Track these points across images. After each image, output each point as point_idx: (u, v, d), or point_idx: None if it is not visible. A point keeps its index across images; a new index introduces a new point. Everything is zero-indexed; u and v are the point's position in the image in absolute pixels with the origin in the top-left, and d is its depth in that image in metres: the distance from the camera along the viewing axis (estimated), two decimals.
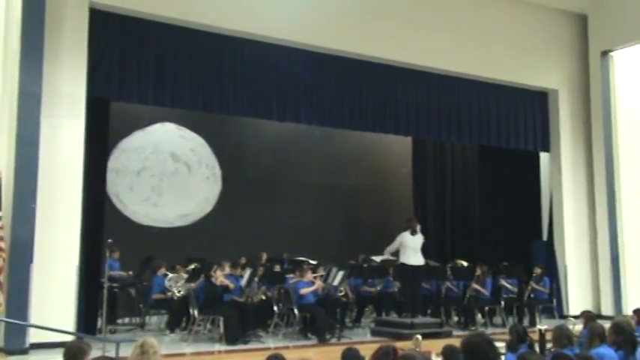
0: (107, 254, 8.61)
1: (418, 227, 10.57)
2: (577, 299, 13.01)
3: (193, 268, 10.32)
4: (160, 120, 14.02)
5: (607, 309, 12.91)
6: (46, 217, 8.32)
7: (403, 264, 10.30)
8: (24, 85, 8.18)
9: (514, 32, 13.11)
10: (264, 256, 12.62)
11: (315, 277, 10.26)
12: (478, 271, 11.61)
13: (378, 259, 12.38)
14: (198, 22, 10.04)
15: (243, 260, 11.59)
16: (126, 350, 5.86)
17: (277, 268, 11.39)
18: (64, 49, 8.92)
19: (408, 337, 7.76)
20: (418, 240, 10.34)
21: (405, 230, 10.36)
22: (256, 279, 10.34)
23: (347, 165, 16.32)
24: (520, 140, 13.43)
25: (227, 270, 10.08)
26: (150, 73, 9.82)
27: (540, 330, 6.80)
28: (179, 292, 10.25)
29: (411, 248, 10.21)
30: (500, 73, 12.90)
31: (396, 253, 10.73)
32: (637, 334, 5.67)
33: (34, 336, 7.91)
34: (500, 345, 5.90)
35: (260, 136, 15.09)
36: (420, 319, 9.95)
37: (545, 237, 14.00)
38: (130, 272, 11.18)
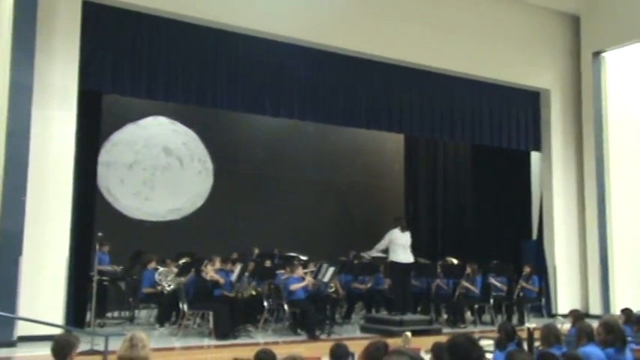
0: (97, 247, 8.60)
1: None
2: (566, 298, 13.08)
3: (184, 263, 10.29)
4: (153, 113, 13.99)
5: (595, 308, 12.99)
6: (36, 209, 8.29)
7: (393, 262, 10.21)
8: (15, 77, 8.14)
9: (507, 32, 13.15)
10: (256, 251, 12.62)
11: (305, 273, 10.26)
12: (468, 269, 11.65)
13: (367, 254, 12.40)
14: (193, 15, 10.02)
15: (234, 255, 11.59)
16: (115, 344, 5.84)
17: (268, 263, 11.39)
18: (56, 41, 8.87)
19: (398, 334, 7.78)
20: (407, 237, 10.25)
21: (394, 228, 10.22)
22: (247, 274, 10.33)
23: (340, 161, 16.34)
24: (512, 139, 13.48)
25: (217, 265, 10.09)
26: (143, 66, 9.79)
27: (529, 328, 6.83)
28: (169, 286, 10.23)
29: (400, 246, 10.11)
30: (493, 72, 12.94)
31: (386, 250, 10.73)
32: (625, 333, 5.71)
33: (22, 329, 7.88)
34: (489, 343, 5.95)
35: (253, 132, 15.09)
36: (409, 317, 9.96)
37: (535, 236, 14.06)
38: (121, 266, 11.14)
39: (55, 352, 4.45)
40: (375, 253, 10.93)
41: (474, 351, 3.07)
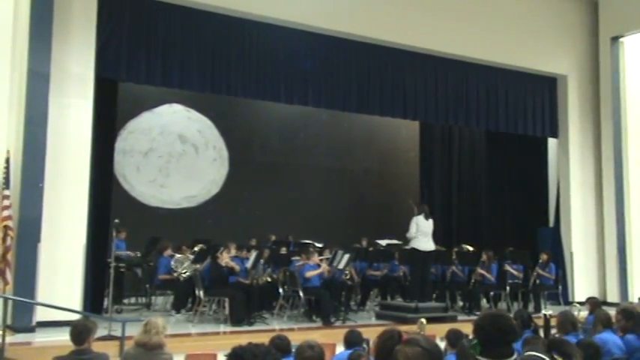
0: (114, 234, 8.65)
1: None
2: (583, 286, 13.01)
3: (199, 250, 10.34)
4: (168, 101, 14.03)
5: (613, 296, 12.91)
6: (54, 196, 8.36)
7: (414, 249, 10.11)
8: (33, 65, 8.20)
9: (524, 17, 13.00)
10: (273, 238, 12.67)
11: (320, 260, 10.27)
12: (484, 257, 11.61)
13: (383, 242, 12.39)
14: (207, 3, 9.99)
15: (253, 242, 11.62)
16: (132, 330, 5.91)
17: (283, 250, 11.42)
18: (73, 30, 8.91)
19: (413, 321, 7.78)
20: (430, 225, 10.17)
21: (418, 215, 10.10)
22: (262, 261, 10.36)
23: (354, 148, 16.31)
24: (528, 125, 13.37)
25: (233, 252, 10.12)
26: (158, 54, 9.81)
27: (545, 315, 6.79)
28: (185, 273, 10.30)
29: (423, 233, 10.03)
30: (509, 58, 12.82)
31: (401, 237, 10.67)
32: None
33: (40, 314, 7.98)
34: None
35: (267, 119, 15.08)
36: (424, 304, 9.93)
37: (551, 223, 13.97)
38: (137, 253, 11.22)
39: (74, 337, 4.51)
40: (409, 237, 10.56)
41: (501, 337, 2.94)
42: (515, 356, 2.93)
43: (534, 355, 3.26)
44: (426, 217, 10.12)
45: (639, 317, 5.43)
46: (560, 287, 12.53)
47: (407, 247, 10.69)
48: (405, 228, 10.19)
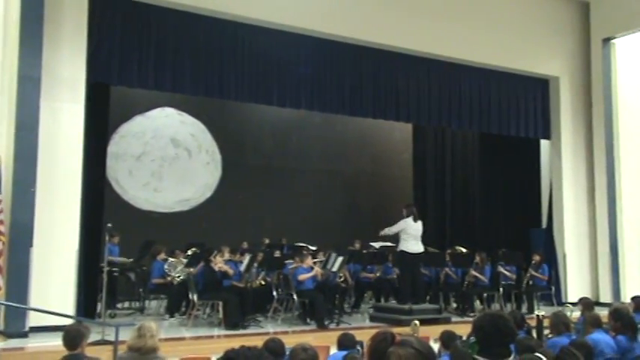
0: (107, 239, 8.62)
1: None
2: (575, 286, 13.05)
3: (192, 253, 10.33)
4: (160, 105, 14.01)
5: (605, 296, 12.95)
6: (46, 201, 8.32)
7: (403, 251, 10.09)
8: (23, 70, 8.16)
9: (516, 19, 13.06)
10: (267, 241, 12.65)
11: (314, 263, 10.27)
12: (477, 258, 11.63)
13: (377, 245, 12.40)
14: (199, 6, 9.99)
15: (245, 245, 11.60)
16: (125, 334, 5.88)
17: (277, 253, 11.42)
18: (64, 33, 8.88)
19: (407, 323, 7.78)
20: (419, 227, 10.16)
21: (407, 217, 10.10)
22: (255, 264, 10.36)
23: (347, 151, 16.33)
24: (521, 127, 13.41)
25: (226, 255, 10.12)
26: (150, 57, 9.78)
27: (538, 316, 6.82)
28: (178, 277, 10.28)
29: (412, 236, 10.01)
30: (502, 59, 12.85)
31: (394, 239, 10.68)
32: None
33: (33, 319, 7.93)
34: None
35: (260, 122, 15.09)
36: (418, 306, 9.91)
37: (544, 224, 14.01)
38: (130, 258, 11.19)
39: (66, 342, 4.49)
40: (387, 232, 10.57)
41: (499, 337, 2.94)
42: (512, 357, 2.95)
43: (535, 356, 3.29)
44: (415, 220, 10.11)
45: (628, 318, 5.46)
46: (552, 288, 12.56)
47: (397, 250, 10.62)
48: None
